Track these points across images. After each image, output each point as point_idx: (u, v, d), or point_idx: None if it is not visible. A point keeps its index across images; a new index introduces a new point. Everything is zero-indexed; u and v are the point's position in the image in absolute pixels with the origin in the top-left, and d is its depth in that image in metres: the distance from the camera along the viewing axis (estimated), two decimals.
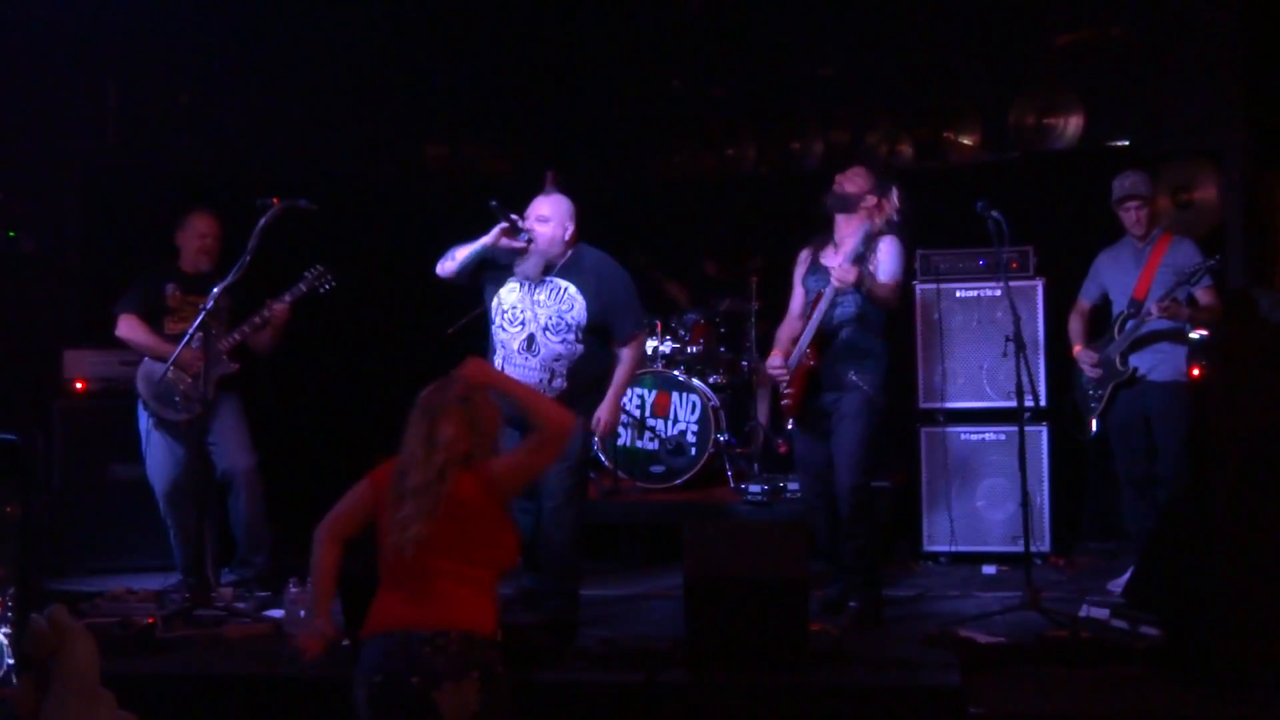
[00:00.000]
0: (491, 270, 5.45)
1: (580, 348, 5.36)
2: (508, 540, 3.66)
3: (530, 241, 5.32)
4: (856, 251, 5.36)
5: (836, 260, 5.51)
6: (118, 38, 7.21)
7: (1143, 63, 7.36)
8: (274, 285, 6.12)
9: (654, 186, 9.14)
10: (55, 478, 6.67)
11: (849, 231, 5.54)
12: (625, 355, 5.48)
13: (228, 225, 6.27)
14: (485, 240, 5.33)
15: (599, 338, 5.44)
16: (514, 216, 5.32)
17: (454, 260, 5.41)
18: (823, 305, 5.45)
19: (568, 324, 5.34)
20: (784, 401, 5.65)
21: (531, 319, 5.36)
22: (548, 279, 5.37)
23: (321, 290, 6.10)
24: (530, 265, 5.34)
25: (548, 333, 5.35)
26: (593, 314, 5.36)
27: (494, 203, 5.32)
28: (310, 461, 7.59)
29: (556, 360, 5.34)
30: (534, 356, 5.35)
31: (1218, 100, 7.05)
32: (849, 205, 5.54)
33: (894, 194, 5.37)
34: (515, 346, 5.37)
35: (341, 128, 8.06)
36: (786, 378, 5.58)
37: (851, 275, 5.30)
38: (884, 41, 8.09)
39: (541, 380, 5.32)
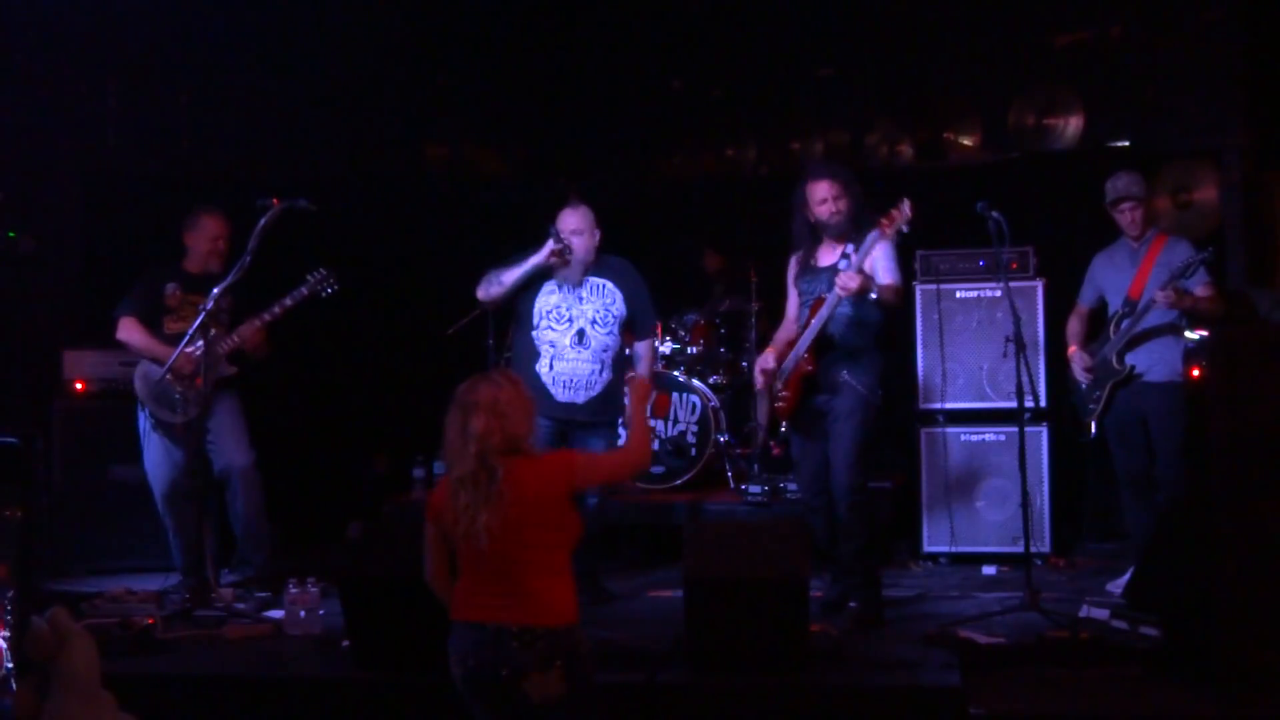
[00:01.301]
0: (524, 283, 5.82)
1: (619, 340, 5.84)
2: (573, 519, 3.84)
3: (571, 254, 5.72)
4: (861, 260, 5.32)
5: (829, 261, 5.53)
6: (118, 38, 7.21)
7: (1143, 63, 7.37)
8: (274, 285, 6.12)
9: (654, 186, 9.14)
10: (55, 478, 6.67)
11: (839, 241, 5.55)
12: (643, 351, 5.99)
13: (228, 225, 6.25)
14: (537, 259, 5.72)
15: (624, 333, 5.90)
16: (562, 236, 5.71)
17: (501, 285, 5.78)
18: (824, 312, 5.41)
19: (613, 316, 5.82)
20: (778, 404, 5.64)
21: (580, 315, 5.78)
22: (585, 279, 5.80)
23: (324, 294, 6.09)
24: (572, 272, 5.76)
25: (596, 326, 5.79)
26: (629, 307, 5.85)
27: (554, 227, 5.74)
28: (310, 462, 7.62)
29: (605, 351, 5.79)
30: (585, 349, 5.76)
31: (1218, 100, 7.05)
32: (843, 227, 5.53)
33: (905, 205, 5.29)
34: (567, 342, 5.76)
35: (341, 128, 8.07)
36: (771, 380, 5.59)
37: (855, 283, 5.25)
38: (884, 41, 8.10)
39: (593, 371, 5.76)
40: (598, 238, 5.82)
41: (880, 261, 5.45)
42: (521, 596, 3.66)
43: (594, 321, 5.78)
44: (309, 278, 6.08)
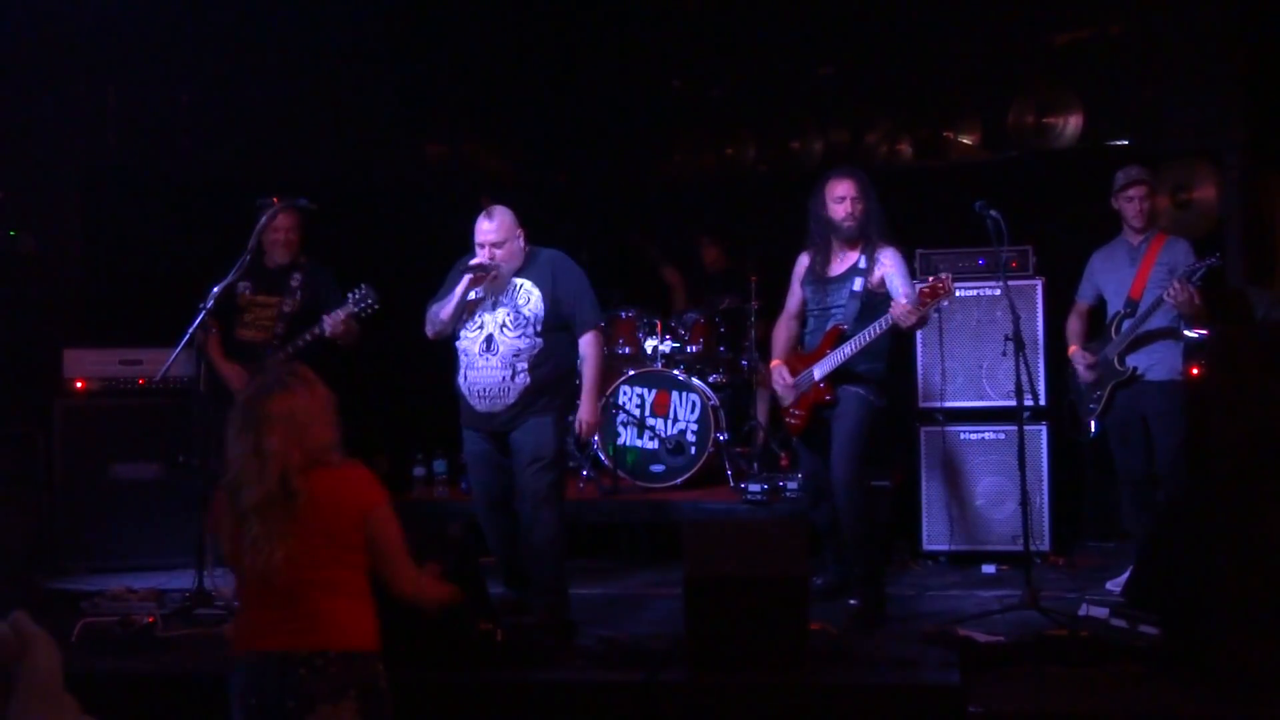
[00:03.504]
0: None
1: (540, 342, 5.41)
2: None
3: (496, 270, 5.39)
4: (917, 304, 5.29)
5: (838, 271, 5.59)
6: (118, 39, 7.21)
7: (1143, 63, 7.36)
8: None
9: (654, 186, 9.15)
10: (56, 477, 6.67)
11: (849, 247, 5.60)
12: (586, 349, 5.49)
13: (228, 225, 6.24)
14: (459, 292, 5.40)
15: (563, 334, 5.47)
16: (480, 263, 5.38)
17: (441, 321, 5.49)
18: (848, 349, 5.45)
19: (525, 318, 5.40)
20: (790, 421, 5.70)
21: (490, 320, 5.42)
22: (509, 282, 5.45)
23: (365, 314, 5.95)
24: (499, 286, 5.42)
25: (505, 329, 5.40)
26: (550, 306, 5.42)
27: (464, 263, 5.43)
28: None
29: (516, 356, 5.39)
30: (494, 355, 5.39)
31: (1218, 100, 7.05)
32: (855, 232, 5.56)
33: (948, 280, 5.28)
34: (476, 350, 5.42)
35: (341, 128, 8.07)
36: (793, 398, 5.63)
37: (914, 318, 5.27)
38: (884, 41, 8.10)
39: (504, 377, 5.38)
40: (521, 238, 5.45)
41: (895, 275, 5.49)
42: (312, 619, 3.30)
43: (503, 325, 5.38)
44: (350, 295, 5.95)
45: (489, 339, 5.40)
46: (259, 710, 3.29)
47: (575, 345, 5.51)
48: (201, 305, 5.67)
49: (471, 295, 5.43)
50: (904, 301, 5.27)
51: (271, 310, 6.16)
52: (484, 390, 5.40)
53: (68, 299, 7.30)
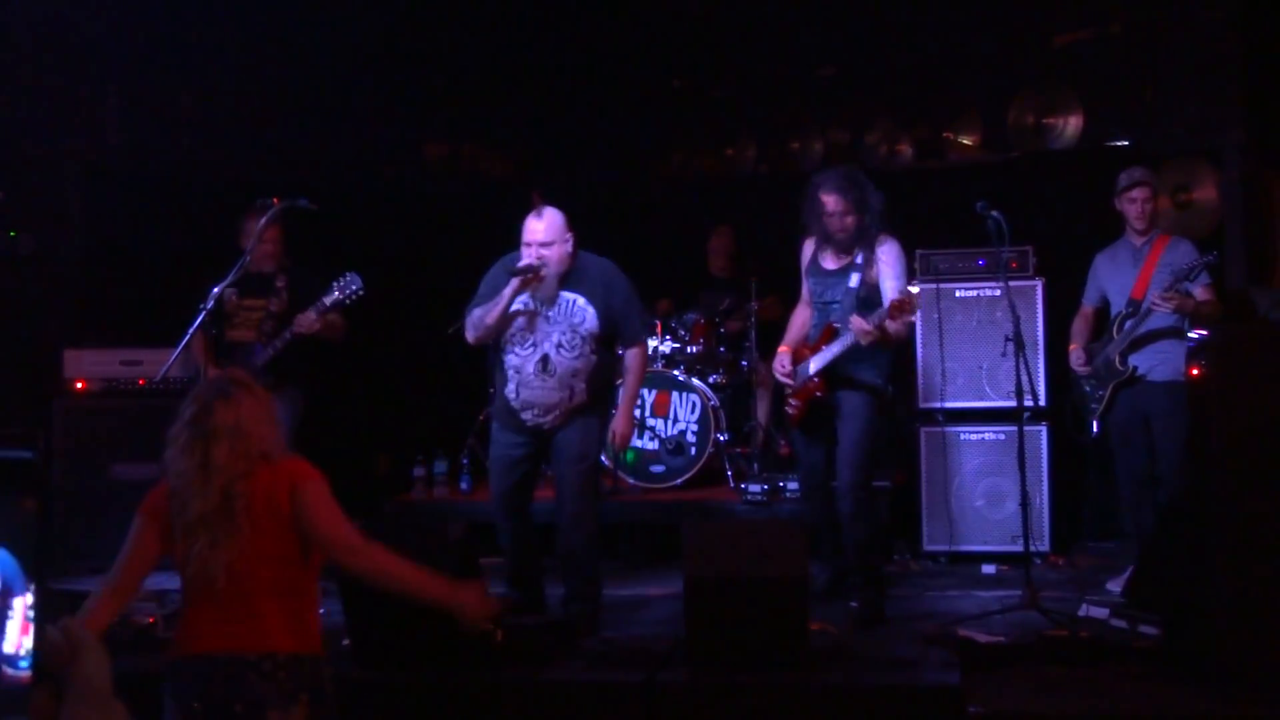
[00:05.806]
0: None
1: (594, 358, 5.35)
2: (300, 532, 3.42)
3: (544, 272, 5.26)
4: (881, 316, 5.32)
5: (836, 264, 5.60)
6: (118, 38, 7.21)
7: (1143, 63, 7.37)
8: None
9: (654, 186, 9.15)
10: (56, 477, 6.66)
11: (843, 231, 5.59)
12: (631, 362, 5.48)
13: (228, 225, 6.25)
14: (507, 294, 5.25)
15: (607, 344, 5.45)
16: (528, 264, 5.24)
17: (485, 326, 5.34)
18: (836, 348, 5.46)
19: (581, 337, 5.30)
20: (789, 409, 5.71)
21: (545, 338, 5.31)
22: (558, 294, 5.31)
23: (349, 301, 5.97)
24: (547, 287, 5.28)
25: (562, 350, 5.30)
26: (603, 322, 5.35)
27: (503, 264, 5.37)
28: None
29: (574, 376, 5.31)
30: (551, 377, 5.29)
31: (1218, 100, 7.05)
32: (849, 242, 5.56)
33: (915, 297, 5.31)
34: (530, 369, 5.31)
35: (341, 128, 8.06)
36: (791, 385, 5.65)
37: (871, 338, 5.32)
38: (884, 41, 8.10)
39: (562, 399, 5.31)
40: (570, 243, 5.29)
41: (889, 279, 5.48)
42: (257, 619, 3.28)
43: (559, 345, 5.27)
44: (335, 283, 5.97)
45: (544, 359, 5.29)
46: (203, 714, 3.25)
47: (614, 350, 5.49)
48: (202, 306, 5.67)
49: (518, 305, 5.29)
50: (863, 321, 5.30)
51: (259, 312, 6.20)
52: (537, 410, 5.33)
53: (68, 299, 7.30)
